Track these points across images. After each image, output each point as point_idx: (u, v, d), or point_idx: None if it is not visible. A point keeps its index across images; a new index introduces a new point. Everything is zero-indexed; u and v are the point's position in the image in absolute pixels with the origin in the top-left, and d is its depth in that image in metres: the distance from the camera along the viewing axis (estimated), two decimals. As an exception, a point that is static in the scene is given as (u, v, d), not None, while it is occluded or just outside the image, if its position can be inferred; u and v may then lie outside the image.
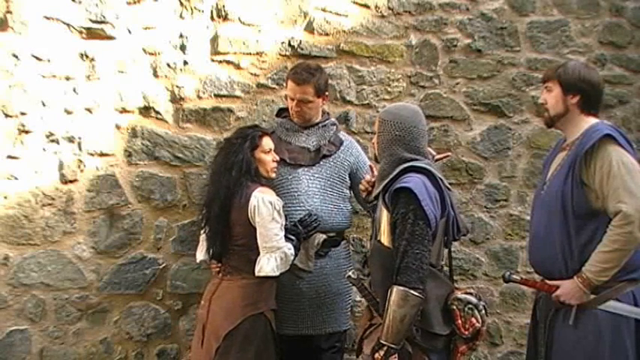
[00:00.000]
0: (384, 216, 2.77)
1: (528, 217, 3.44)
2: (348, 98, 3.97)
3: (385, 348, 2.64)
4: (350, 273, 2.91)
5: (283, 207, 3.20)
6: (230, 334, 3.05)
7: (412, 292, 2.62)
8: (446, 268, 2.98)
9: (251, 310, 3.08)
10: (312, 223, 3.28)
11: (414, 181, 2.69)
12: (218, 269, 3.24)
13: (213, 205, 3.16)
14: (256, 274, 3.07)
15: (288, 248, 3.11)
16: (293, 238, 3.18)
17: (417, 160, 2.78)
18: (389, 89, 4.02)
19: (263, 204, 3.07)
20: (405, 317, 2.62)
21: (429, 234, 2.68)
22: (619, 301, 2.78)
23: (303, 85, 3.36)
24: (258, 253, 3.08)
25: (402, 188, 2.69)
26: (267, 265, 3.05)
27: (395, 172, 2.76)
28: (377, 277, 2.81)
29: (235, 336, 3.06)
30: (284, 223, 3.14)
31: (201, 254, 3.32)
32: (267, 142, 3.22)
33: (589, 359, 2.78)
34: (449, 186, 2.89)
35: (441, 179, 2.82)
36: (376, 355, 2.66)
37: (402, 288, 2.62)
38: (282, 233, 3.11)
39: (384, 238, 2.76)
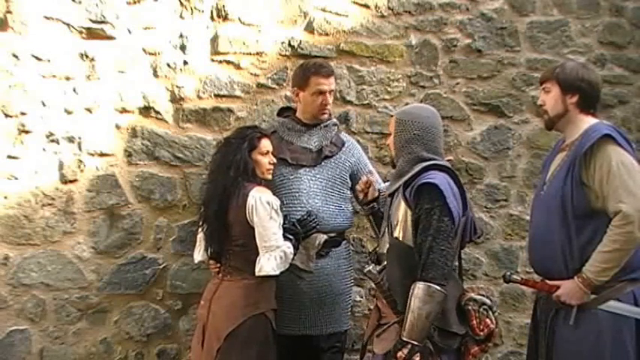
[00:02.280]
0: (402, 212, 2.75)
1: (528, 217, 3.43)
2: (348, 98, 3.97)
3: (409, 346, 2.61)
4: (370, 268, 2.85)
5: (284, 207, 3.20)
6: (231, 334, 3.05)
7: (438, 288, 2.61)
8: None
9: (252, 311, 3.08)
10: (310, 223, 3.27)
11: (439, 178, 2.68)
12: (217, 269, 3.24)
13: (210, 203, 3.16)
14: (256, 273, 3.06)
15: (288, 247, 3.10)
16: (291, 237, 3.17)
17: (435, 159, 2.78)
18: (389, 89, 4.02)
19: (260, 203, 3.06)
20: (431, 314, 2.61)
21: (453, 231, 2.67)
22: (619, 301, 2.78)
23: (332, 76, 3.43)
24: (258, 253, 3.07)
25: (427, 184, 2.67)
26: (267, 264, 3.05)
27: (417, 169, 2.74)
28: (394, 274, 2.78)
29: (236, 336, 3.05)
30: (282, 222, 3.13)
31: (199, 255, 3.31)
32: (265, 144, 3.20)
33: (589, 359, 2.78)
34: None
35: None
36: (399, 354, 2.62)
37: (427, 284, 2.61)
38: (281, 232, 3.10)
39: (401, 235, 2.74)
